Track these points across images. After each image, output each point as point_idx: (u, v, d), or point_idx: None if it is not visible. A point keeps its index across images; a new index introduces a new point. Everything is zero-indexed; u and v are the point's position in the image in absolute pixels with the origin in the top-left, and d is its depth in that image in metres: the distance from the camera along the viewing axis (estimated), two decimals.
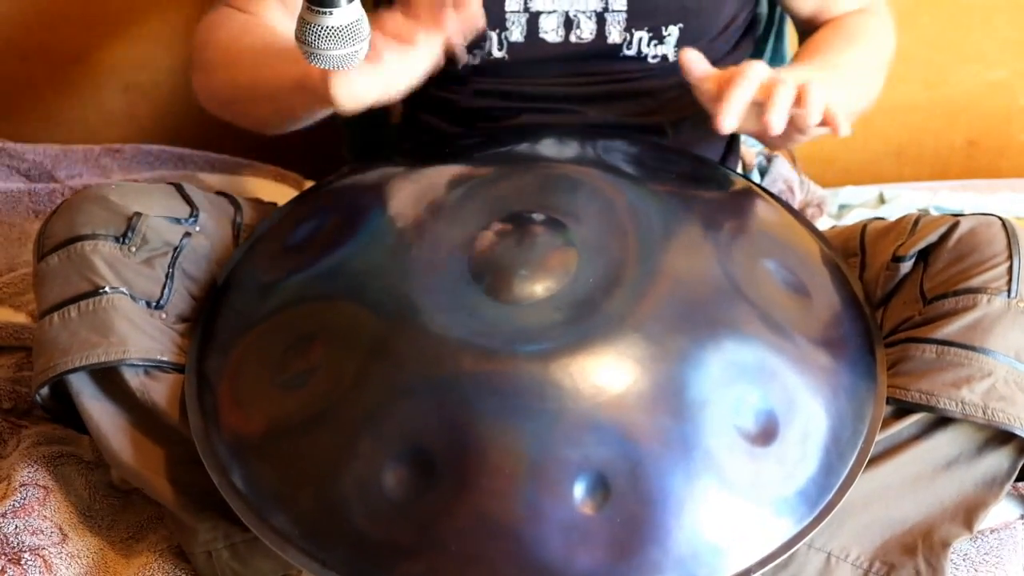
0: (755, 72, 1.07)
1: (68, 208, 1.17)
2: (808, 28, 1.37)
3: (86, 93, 1.89)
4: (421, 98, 1.37)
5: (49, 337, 1.12)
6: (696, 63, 1.12)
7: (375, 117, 1.56)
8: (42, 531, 1.15)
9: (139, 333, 1.11)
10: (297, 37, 0.99)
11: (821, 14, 1.35)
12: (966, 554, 1.14)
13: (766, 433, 1.02)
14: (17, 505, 1.16)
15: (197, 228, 1.19)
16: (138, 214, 1.15)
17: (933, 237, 1.14)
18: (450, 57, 1.25)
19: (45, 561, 1.12)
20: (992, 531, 1.16)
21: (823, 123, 1.08)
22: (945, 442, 1.10)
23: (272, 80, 1.16)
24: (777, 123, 1.05)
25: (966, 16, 1.79)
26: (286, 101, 1.16)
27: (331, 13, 0.96)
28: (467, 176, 1.18)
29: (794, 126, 1.08)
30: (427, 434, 0.99)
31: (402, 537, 0.99)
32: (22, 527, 1.14)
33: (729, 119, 1.06)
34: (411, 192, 1.17)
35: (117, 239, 1.14)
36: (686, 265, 1.08)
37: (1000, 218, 1.14)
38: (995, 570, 1.13)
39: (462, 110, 1.33)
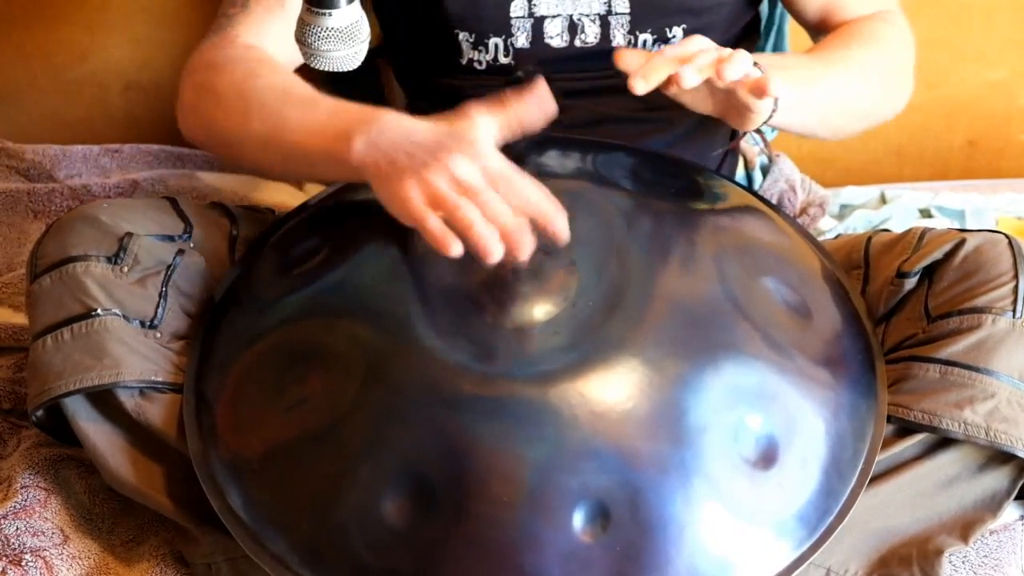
0: (682, 46, 1.07)
1: (59, 229, 1.16)
2: (818, 33, 1.35)
3: (86, 93, 1.89)
4: (423, 89, 1.37)
5: (43, 360, 1.12)
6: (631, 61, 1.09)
7: None
8: (43, 532, 1.15)
9: (133, 354, 1.11)
10: (297, 38, 0.98)
11: (828, 19, 1.32)
12: (966, 556, 1.14)
13: (766, 457, 1.01)
14: (18, 507, 1.16)
15: (191, 244, 1.19)
16: (129, 234, 1.15)
17: (939, 254, 1.13)
18: (453, 47, 1.24)
19: (46, 562, 1.12)
20: (991, 533, 1.16)
21: (754, 91, 1.06)
22: (947, 462, 1.10)
23: (295, 136, 1.11)
24: (687, 78, 1.03)
25: (966, 16, 1.79)
26: (309, 164, 1.12)
27: (330, 14, 0.96)
28: None
29: (720, 90, 1.08)
30: (425, 461, 0.99)
31: (401, 565, 0.99)
32: (23, 528, 1.14)
33: (639, 81, 1.05)
34: None
35: (109, 259, 1.14)
36: (685, 286, 1.08)
37: (1006, 235, 1.13)
38: (994, 572, 1.13)
39: (466, 101, 1.32)
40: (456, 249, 0.98)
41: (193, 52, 1.24)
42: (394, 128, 1.04)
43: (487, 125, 1.04)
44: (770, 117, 1.12)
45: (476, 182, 0.99)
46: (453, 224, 0.99)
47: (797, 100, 1.14)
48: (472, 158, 1.00)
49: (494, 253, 0.98)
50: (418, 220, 1.00)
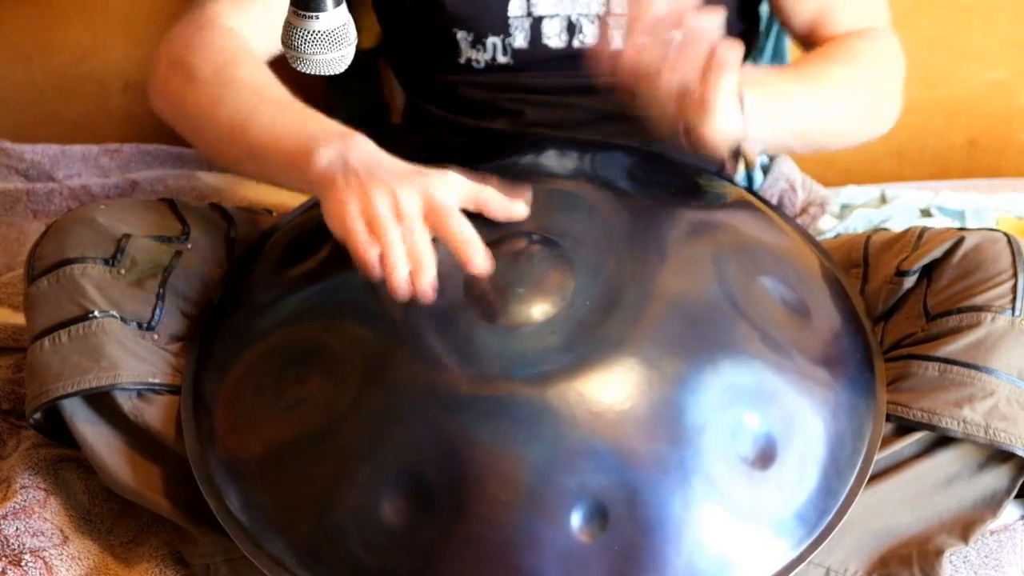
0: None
1: (57, 231, 1.16)
2: (806, 46, 1.33)
3: (86, 93, 1.89)
4: (423, 87, 1.37)
5: (41, 362, 1.12)
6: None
7: (375, 117, 1.56)
8: (43, 533, 1.15)
9: (130, 356, 1.11)
10: (283, 42, 0.98)
11: (816, 32, 1.31)
12: (966, 556, 1.14)
13: (765, 457, 1.01)
14: (18, 507, 1.16)
15: (189, 246, 1.19)
16: (127, 236, 1.15)
17: (938, 252, 1.13)
18: (451, 46, 1.24)
19: (46, 563, 1.12)
20: (992, 533, 1.15)
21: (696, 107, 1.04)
22: (946, 460, 1.10)
23: (262, 133, 1.11)
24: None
25: (966, 16, 1.79)
26: (269, 164, 1.12)
27: (317, 17, 0.96)
28: None
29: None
30: (423, 462, 0.99)
31: (399, 566, 0.99)
32: (23, 529, 1.14)
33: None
34: None
35: (106, 261, 1.14)
36: (684, 285, 1.07)
37: (1006, 234, 1.13)
38: (995, 573, 1.13)
39: (464, 99, 1.32)
40: (371, 261, 1.00)
41: (173, 26, 1.23)
42: (364, 150, 1.05)
43: (455, 182, 1.05)
44: (738, 153, 1.11)
45: (413, 212, 1.01)
46: (376, 241, 1.01)
47: (769, 114, 1.12)
48: (421, 193, 1.02)
49: (397, 289, 1.01)
50: (346, 230, 1.01)
